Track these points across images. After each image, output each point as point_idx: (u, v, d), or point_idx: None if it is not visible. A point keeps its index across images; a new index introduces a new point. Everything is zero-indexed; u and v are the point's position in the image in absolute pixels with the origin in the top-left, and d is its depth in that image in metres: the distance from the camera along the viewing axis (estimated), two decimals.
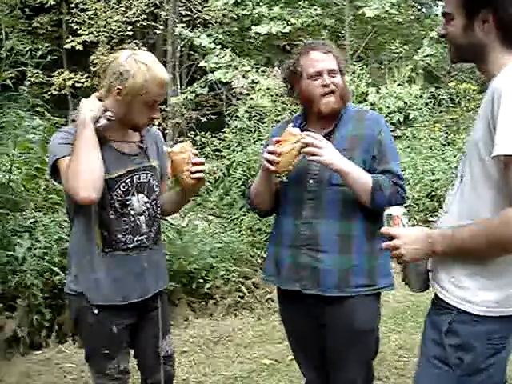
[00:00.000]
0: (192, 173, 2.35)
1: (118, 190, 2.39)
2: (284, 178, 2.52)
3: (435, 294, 1.92)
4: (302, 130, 2.49)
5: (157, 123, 12.48)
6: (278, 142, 2.38)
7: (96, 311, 2.41)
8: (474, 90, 10.65)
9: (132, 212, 2.43)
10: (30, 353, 4.20)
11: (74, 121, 2.41)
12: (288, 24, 11.24)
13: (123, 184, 2.41)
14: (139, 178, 2.46)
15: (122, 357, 2.50)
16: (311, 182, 2.52)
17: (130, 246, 2.43)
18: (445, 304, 1.85)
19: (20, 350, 4.17)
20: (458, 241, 1.76)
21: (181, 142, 2.62)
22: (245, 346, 4.49)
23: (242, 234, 6.14)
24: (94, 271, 2.40)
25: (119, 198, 2.39)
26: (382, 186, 2.44)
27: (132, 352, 2.62)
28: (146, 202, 2.47)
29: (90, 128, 2.27)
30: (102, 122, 2.34)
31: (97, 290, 2.41)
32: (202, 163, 2.39)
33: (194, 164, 2.36)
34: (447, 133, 9.56)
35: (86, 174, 2.21)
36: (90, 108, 2.31)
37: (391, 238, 1.89)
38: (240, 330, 4.80)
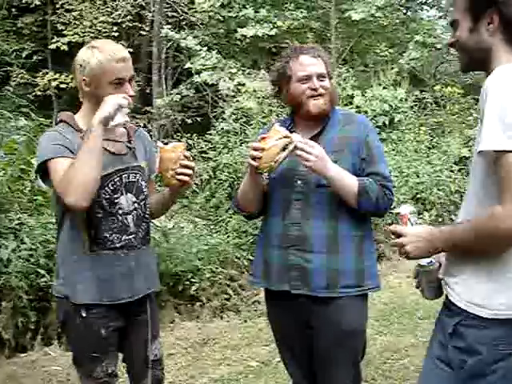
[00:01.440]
0: (177, 174, 2.35)
1: (106, 188, 2.37)
2: (266, 175, 2.52)
3: (446, 296, 1.93)
4: (289, 132, 2.49)
5: (142, 125, 12.49)
6: (263, 138, 2.41)
7: (84, 314, 2.39)
8: (459, 94, 10.74)
9: (120, 211, 2.41)
10: (15, 355, 4.17)
11: (61, 121, 2.40)
12: (274, 26, 11.25)
13: (112, 183, 2.39)
14: (128, 178, 2.44)
15: (110, 360, 2.47)
16: (299, 182, 2.53)
17: (118, 245, 2.41)
18: (454, 306, 1.86)
19: (5, 352, 4.14)
20: (454, 237, 1.80)
21: (177, 141, 2.61)
22: (232, 349, 4.49)
23: (229, 236, 6.15)
24: (81, 271, 2.38)
25: (107, 197, 2.38)
26: (368, 190, 2.46)
27: (121, 356, 2.61)
28: (134, 202, 2.46)
29: (99, 134, 2.25)
30: (118, 119, 2.30)
31: (84, 289, 2.38)
32: (191, 167, 2.38)
33: (182, 166, 2.35)
34: (432, 136, 9.63)
35: (84, 182, 2.21)
36: (105, 109, 2.27)
37: (399, 235, 1.92)
38: (226, 332, 4.80)
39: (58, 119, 2.46)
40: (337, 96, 2.72)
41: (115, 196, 2.40)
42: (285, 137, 2.37)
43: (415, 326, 4.94)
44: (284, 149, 2.37)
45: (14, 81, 11.28)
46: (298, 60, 2.56)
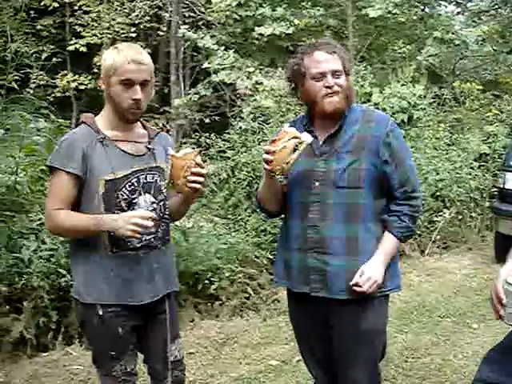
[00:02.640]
0: (189, 181, 2.35)
1: (124, 189, 2.40)
2: (279, 177, 2.49)
3: None
4: (306, 131, 2.49)
5: (160, 125, 12.53)
6: (273, 141, 2.38)
7: (101, 312, 2.41)
8: (478, 90, 10.64)
9: None
10: (36, 355, 4.20)
11: (82, 122, 2.43)
12: (291, 25, 11.21)
13: (129, 184, 2.42)
14: (145, 178, 2.46)
15: (129, 358, 2.50)
16: (317, 184, 2.50)
17: (138, 245, 2.44)
18: None
19: (27, 351, 4.17)
20: None
21: (190, 146, 2.61)
22: (251, 347, 4.49)
23: (248, 235, 6.15)
24: (101, 271, 2.41)
25: (125, 197, 2.41)
26: (405, 235, 2.56)
27: (142, 357, 2.62)
28: (152, 203, 2.48)
29: (100, 230, 2.36)
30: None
31: (104, 290, 2.41)
32: (202, 175, 2.37)
33: (193, 174, 2.35)
34: (451, 133, 9.55)
35: (62, 231, 2.47)
36: (120, 231, 2.33)
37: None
38: (246, 331, 4.80)
39: (80, 121, 2.50)
40: (354, 93, 2.65)
41: (133, 197, 2.42)
42: (294, 137, 2.35)
43: (435, 325, 4.91)
44: (295, 150, 2.35)
45: (34, 83, 11.39)
46: (313, 56, 2.50)
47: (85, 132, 2.42)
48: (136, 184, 2.43)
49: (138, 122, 2.53)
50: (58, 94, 14.17)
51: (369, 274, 2.46)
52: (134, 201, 2.43)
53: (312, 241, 2.50)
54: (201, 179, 2.37)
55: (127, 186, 2.41)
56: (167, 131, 12.66)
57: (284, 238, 2.65)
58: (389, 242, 2.53)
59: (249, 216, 6.55)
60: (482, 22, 11.69)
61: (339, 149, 2.50)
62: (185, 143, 11.16)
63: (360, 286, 2.44)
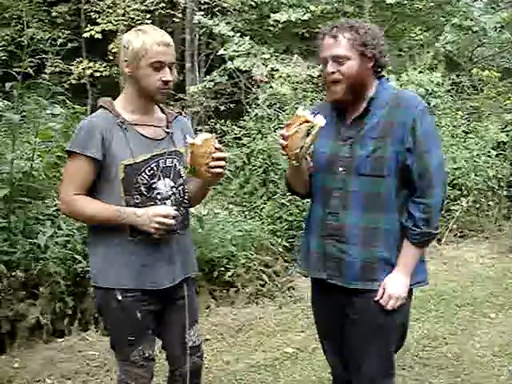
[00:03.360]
0: (211, 167, 2.33)
1: (143, 174, 2.39)
2: (294, 162, 2.40)
3: None
4: (336, 110, 2.45)
5: (176, 111, 12.51)
6: (288, 125, 2.33)
7: (120, 297, 2.40)
8: (496, 77, 10.50)
9: (158, 196, 2.43)
10: (52, 340, 4.20)
11: (100, 107, 2.41)
12: (307, 11, 11.12)
13: (149, 168, 2.40)
14: (165, 163, 2.45)
15: (147, 343, 2.49)
16: (340, 169, 2.43)
17: None
18: None
19: (43, 337, 4.18)
20: None
21: (206, 131, 2.57)
22: (267, 335, 4.48)
23: (263, 223, 6.12)
24: (122, 256, 2.40)
25: (145, 182, 2.39)
26: (420, 239, 2.42)
27: (160, 343, 2.61)
28: (172, 187, 2.47)
29: (121, 223, 2.36)
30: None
31: (127, 275, 2.40)
32: (224, 159, 2.37)
33: (215, 159, 2.34)
34: (469, 120, 9.44)
35: (80, 215, 2.45)
36: (145, 227, 2.36)
37: None
38: (262, 318, 4.78)
39: (98, 105, 2.48)
40: (367, 80, 2.41)
41: (152, 181, 2.41)
42: (306, 121, 2.28)
43: (453, 314, 4.87)
44: (308, 134, 2.29)
45: (49, 69, 11.40)
46: (323, 41, 2.41)
47: (104, 116, 2.40)
48: (155, 168, 2.42)
49: (156, 106, 2.51)
50: (74, 81, 14.20)
51: (390, 291, 2.40)
52: (154, 185, 2.41)
53: (331, 228, 2.45)
54: (222, 163, 2.36)
55: (147, 170, 2.40)
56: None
57: (307, 222, 2.63)
58: (408, 250, 2.43)
59: (264, 203, 6.52)
60: (501, 8, 11.52)
61: (365, 133, 2.40)
62: (200, 130, 11.14)
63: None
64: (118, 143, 2.36)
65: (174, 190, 2.47)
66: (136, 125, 2.42)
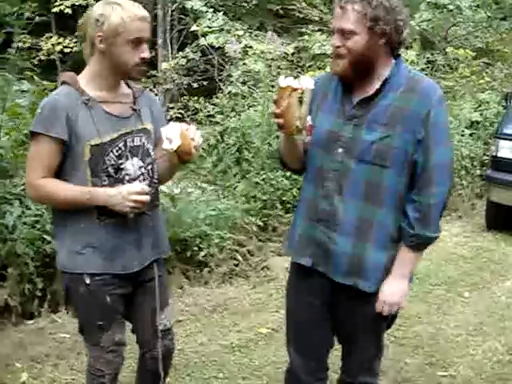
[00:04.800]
0: (196, 148, 2.28)
1: (111, 154, 2.29)
2: (303, 137, 2.26)
3: None
4: (343, 89, 2.28)
5: (147, 89, 12.33)
6: (275, 102, 2.13)
7: (88, 281, 2.32)
8: (471, 56, 10.50)
9: (127, 177, 2.33)
10: (22, 323, 4.10)
11: (63, 83, 2.30)
12: None
13: (116, 148, 2.30)
14: (133, 141, 2.35)
15: (117, 328, 2.42)
16: (340, 150, 2.24)
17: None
18: None
19: (12, 319, 4.08)
20: None
21: (179, 108, 2.48)
22: (241, 315, 4.43)
23: (237, 202, 6.05)
24: (89, 239, 2.30)
25: (112, 163, 2.29)
26: (415, 242, 2.25)
27: (130, 326, 2.54)
28: (140, 167, 2.37)
29: (93, 205, 2.27)
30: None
31: (92, 259, 2.31)
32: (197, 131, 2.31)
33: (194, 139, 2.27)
34: None
35: (48, 199, 2.35)
36: (119, 207, 2.26)
37: None
38: (235, 298, 4.73)
39: (61, 81, 2.35)
40: (374, 57, 2.19)
41: (120, 162, 2.30)
42: (294, 90, 2.09)
43: (427, 293, 4.88)
44: (301, 102, 2.11)
45: (17, 45, 11.13)
46: (335, 9, 2.21)
47: (67, 93, 2.28)
48: (123, 148, 2.31)
49: (123, 82, 2.40)
50: (43, 58, 13.89)
51: (385, 298, 2.28)
52: (122, 166, 2.31)
53: (322, 212, 2.28)
54: (201, 139, 2.33)
55: (114, 150, 2.29)
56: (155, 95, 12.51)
57: (299, 202, 2.47)
58: (404, 253, 2.27)
59: (238, 182, 6.44)
60: None
61: (373, 117, 2.20)
62: (172, 108, 11.00)
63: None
64: (84, 122, 2.24)
65: (143, 169, 2.38)
66: (102, 102, 2.30)
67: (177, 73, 12.49)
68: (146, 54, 2.27)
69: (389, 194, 2.23)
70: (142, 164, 2.37)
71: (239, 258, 5.33)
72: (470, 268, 5.54)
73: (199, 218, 5.28)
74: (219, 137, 7.04)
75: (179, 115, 9.18)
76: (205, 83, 12.41)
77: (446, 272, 5.40)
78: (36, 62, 12.09)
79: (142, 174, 2.37)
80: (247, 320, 4.34)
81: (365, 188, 2.22)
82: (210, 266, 5.12)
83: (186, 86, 12.26)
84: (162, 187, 5.10)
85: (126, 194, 2.23)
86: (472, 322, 4.35)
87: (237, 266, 5.28)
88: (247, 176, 6.36)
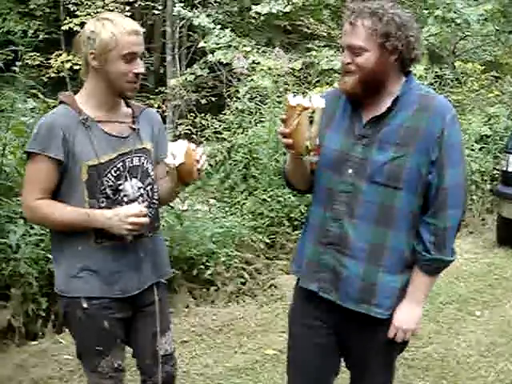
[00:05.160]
0: (199, 170, 2.24)
1: (109, 175, 2.23)
2: (312, 158, 2.18)
3: None
4: (352, 106, 2.20)
5: (156, 105, 12.34)
6: (284, 121, 2.05)
7: (85, 305, 2.26)
8: (480, 70, 10.43)
9: (125, 198, 2.27)
10: (25, 343, 4.06)
11: (61, 102, 2.26)
12: (289, 3, 10.98)
13: (114, 169, 2.25)
14: (132, 162, 2.29)
15: (116, 354, 2.35)
16: (350, 171, 2.16)
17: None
18: None
19: (15, 340, 4.03)
20: None
21: (186, 125, 2.41)
22: (247, 336, 4.35)
23: (244, 219, 5.99)
24: (87, 263, 2.25)
25: (110, 184, 2.23)
26: (431, 266, 2.17)
27: (130, 351, 2.48)
28: (139, 188, 2.31)
29: (90, 227, 2.22)
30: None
31: (92, 282, 2.26)
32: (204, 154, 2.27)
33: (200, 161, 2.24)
34: None
35: (45, 221, 2.32)
36: (115, 229, 2.21)
37: None
38: (242, 318, 4.65)
39: (59, 100, 2.30)
40: (384, 75, 2.12)
41: (119, 182, 2.25)
42: (304, 108, 2.01)
43: (437, 312, 4.78)
44: (311, 122, 2.02)
45: (26, 63, 11.19)
46: (344, 26, 2.14)
47: (65, 112, 2.23)
48: (122, 169, 2.26)
49: (122, 100, 2.36)
50: (53, 75, 13.95)
51: (399, 324, 2.20)
52: (120, 187, 2.26)
53: (333, 235, 2.19)
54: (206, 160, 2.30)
55: (112, 171, 2.24)
56: (162, 112, 12.49)
57: (306, 223, 2.37)
58: (418, 277, 2.19)
59: (245, 199, 6.39)
60: (484, 0, 11.44)
61: (384, 137, 2.13)
62: (180, 124, 10.98)
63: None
64: (81, 142, 2.20)
65: (142, 190, 2.32)
66: (100, 122, 2.25)
67: (185, 89, 12.50)
68: (140, 70, 2.21)
69: (402, 217, 2.15)
70: (141, 185, 2.32)
71: (246, 276, 5.27)
72: (481, 286, 5.44)
73: (206, 235, 5.22)
74: (226, 153, 7.00)
75: (188, 131, 9.16)
76: (213, 99, 12.42)
77: (456, 290, 5.30)
78: (46, 80, 12.15)
79: (141, 194, 2.31)
80: (253, 341, 4.26)
81: (377, 210, 2.14)
82: (216, 284, 5.06)
83: (194, 102, 12.27)
84: (169, 204, 5.08)
85: (124, 217, 2.17)
86: (484, 342, 4.25)
87: (244, 284, 5.21)
88: (254, 193, 6.30)
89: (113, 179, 2.24)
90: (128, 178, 2.27)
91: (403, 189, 2.12)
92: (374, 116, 2.16)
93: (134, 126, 2.34)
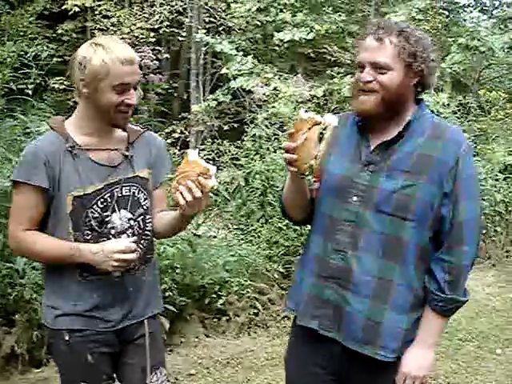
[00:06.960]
0: (177, 189, 1.99)
1: (94, 206, 2.11)
2: (311, 179, 2.06)
3: None
4: (359, 131, 2.07)
5: (179, 131, 12.36)
6: (291, 134, 1.90)
7: (67, 337, 2.14)
8: (504, 99, 10.29)
9: (112, 231, 2.14)
10: (29, 371, 3.98)
11: (51, 128, 2.17)
12: (312, 31, 10.96)
13: (101, 200, 2.12)
14: (121, 192, 2.15)
15: None
16: (354, 199, 2.02)
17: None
18: None
19: (18, 368, 3.95)
20: None
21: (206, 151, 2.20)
22: (256, 370, 4.21)
23: (259, 247, 5.88)
24: (70, 297, 2.14)
25: (96, 216, 2.11)
26: (445, 307, 2.03)
27: None
28: (129, 219, 2.17)
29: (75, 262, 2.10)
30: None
31: (75, 316, 2.15)
32: (195, 197, 1.98)
33: (186, 187, 1.98)
34: (476, 143, 9.20)
35: (30, 254, 2.23)
36: (102, 265, 2.08)
37: None
38: (252, 351, 4.52)
39: (49, 125, 2.20)
40: (404, 97, 2.02)
41: (105, 214, 2.12)
42: (315, 124, 1.87)
43: (456, 350, 4.60)
44: (320, 139, 1.87)
45: (53, 87, 11.30)
46: (365, 41, 2.00)
47: (51, 140, 2.12)
48: (109, 199, 2.13)
49: None
50: (77, 99, 14.08)
51: (408, 371, 2.04)
52: (107, 219, 2.13)
53: (335, 269, 2.04)
54: (189, 197, 1.97)
55: (99, 202, 2.11)
56: (185, 138, 12.51)
57: (304, 254, 2.21)
58: (429, 318, 2.05)
59: (261, 226, 6.27)
60: (509, 29, 11.32)
61: (394, 164, 2.00)
62: (203, 150, 10.97)
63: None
64: (67, 171, 2.08)
65: (132, 222, 2.18)
66: (88, 150, 2.12)
67: (208, 115, 12.52)
68: (133, 101, 2.07)
69: (410, 250, 2.00)
70: (131, 216, 2.18)
71: (259, 306, 5.14)
72: (504, 322, 5.25)
73: (219, 263, 5.12)
74: (243, 180, 6.91)
75: (209, 157, 9.13)
76: (235, 126, 12.40)
77: (477, 326, 5.11)
78: (71, 104, 12.24)
79: (131, 226, 2.18)
80: (261, 376, 4.12)
81: (383, 242, 1.99)
82: (228, 314, 4.94)
83: (217, 128, 12.27)
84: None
85: (109, 253, 2.04)
86: (504, 383, 4.06)
87: (257, 315, 5.09)
88: (270, 221, 6.19)
89: (99, 211, 2.12)
90: (116, 209, 2.14)
91: (412, 220, 1.98)
92: (382, 141, 2.03)
93: (126, 153, 2.21)
